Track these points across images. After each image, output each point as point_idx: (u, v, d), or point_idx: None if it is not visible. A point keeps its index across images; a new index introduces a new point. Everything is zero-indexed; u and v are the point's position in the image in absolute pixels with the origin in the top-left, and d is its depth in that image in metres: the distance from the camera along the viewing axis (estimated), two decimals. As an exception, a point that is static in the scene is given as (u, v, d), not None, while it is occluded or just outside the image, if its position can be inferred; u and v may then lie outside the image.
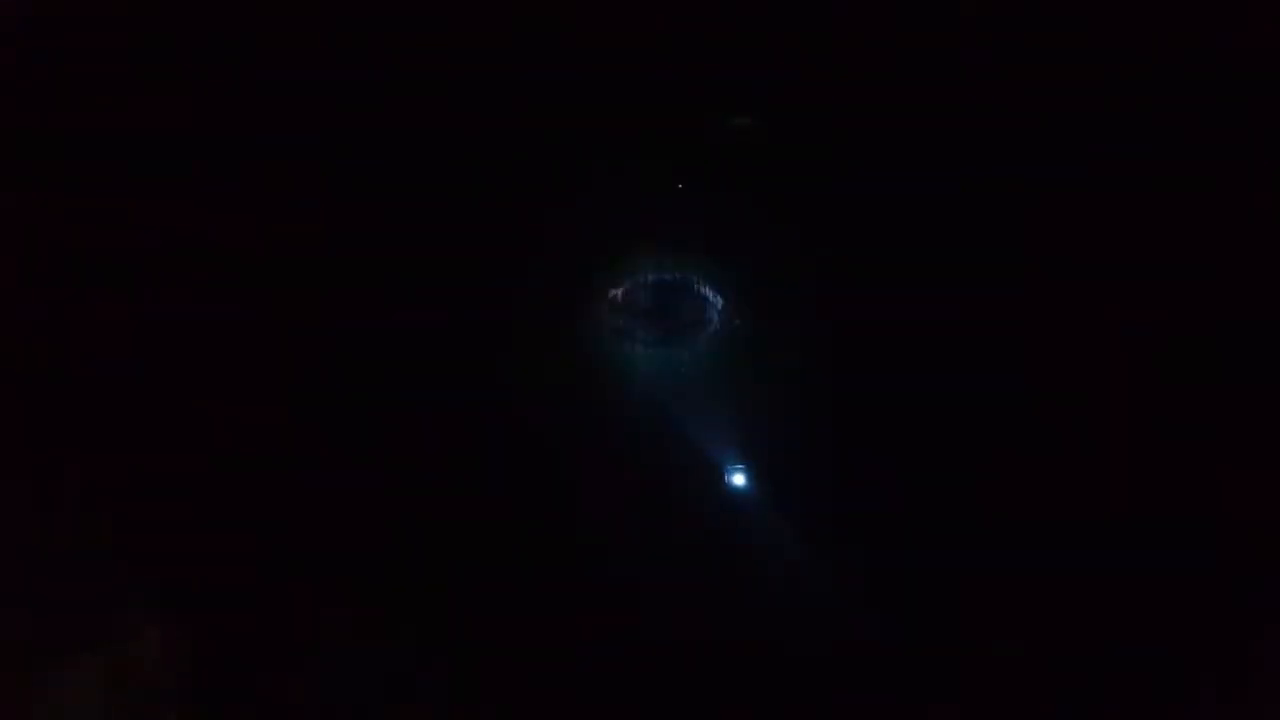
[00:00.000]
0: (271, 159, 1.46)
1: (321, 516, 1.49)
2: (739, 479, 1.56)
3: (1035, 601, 1.43)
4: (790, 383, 1.58)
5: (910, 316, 1.50)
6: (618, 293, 1.62)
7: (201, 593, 1.45)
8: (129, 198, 1.42)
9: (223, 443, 1.47)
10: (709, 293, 1.62)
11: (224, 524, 1.46)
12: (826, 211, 1.54)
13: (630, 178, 1.54)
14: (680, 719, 1.45)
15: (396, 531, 1.51)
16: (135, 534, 1.44)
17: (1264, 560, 1.37)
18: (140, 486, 1.45)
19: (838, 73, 1.47)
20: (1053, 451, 1.48)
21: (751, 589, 1.49)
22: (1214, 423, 1.42)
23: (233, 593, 1.46)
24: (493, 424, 1.55)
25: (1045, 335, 1.49)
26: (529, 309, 1.57)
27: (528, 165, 1.51)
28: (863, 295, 1.54)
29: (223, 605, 1.46)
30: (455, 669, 1.47)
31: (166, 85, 1.41)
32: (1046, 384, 1.49)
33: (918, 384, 1.50)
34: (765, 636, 1.44)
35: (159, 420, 1.46)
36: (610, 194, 1.55)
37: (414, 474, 1.52)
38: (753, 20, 1.43)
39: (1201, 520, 1.40)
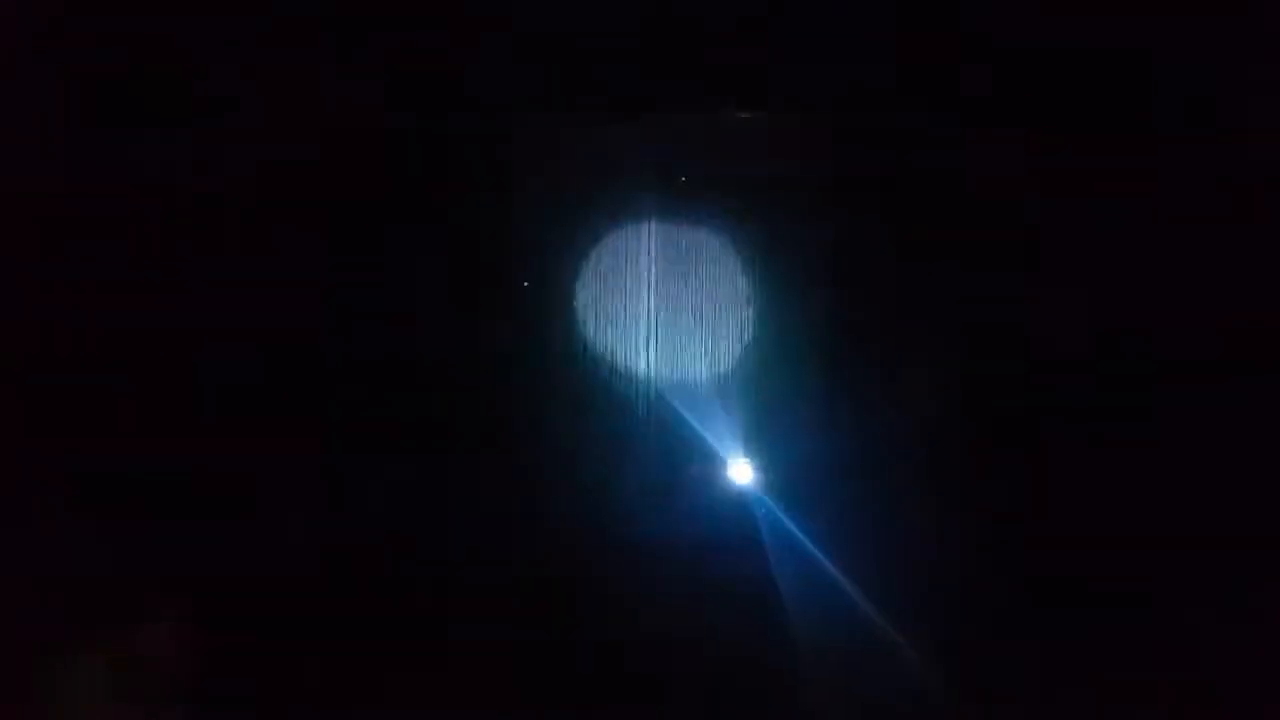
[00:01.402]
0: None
1: (320, 519, 1.50)
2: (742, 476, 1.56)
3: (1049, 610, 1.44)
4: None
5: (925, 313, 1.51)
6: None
7: (205, 592, 1.46)
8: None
9: (221, 442, 1.47)
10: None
11: (224, 525, 1.46)
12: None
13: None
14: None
15: (394, 538, 1.52)
16: (140, 533, 1.45)
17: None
18: (144, 485, 1.45)
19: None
20: (1077, 462, 1.47)
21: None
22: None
23: (236, 593, 1.46)
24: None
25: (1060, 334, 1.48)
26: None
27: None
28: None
29: (227, 605, 1.46)
30: (456, 670, 1.48)
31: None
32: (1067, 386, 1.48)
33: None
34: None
35: (163, 420, 1.47)
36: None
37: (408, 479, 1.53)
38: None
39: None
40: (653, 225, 1.56)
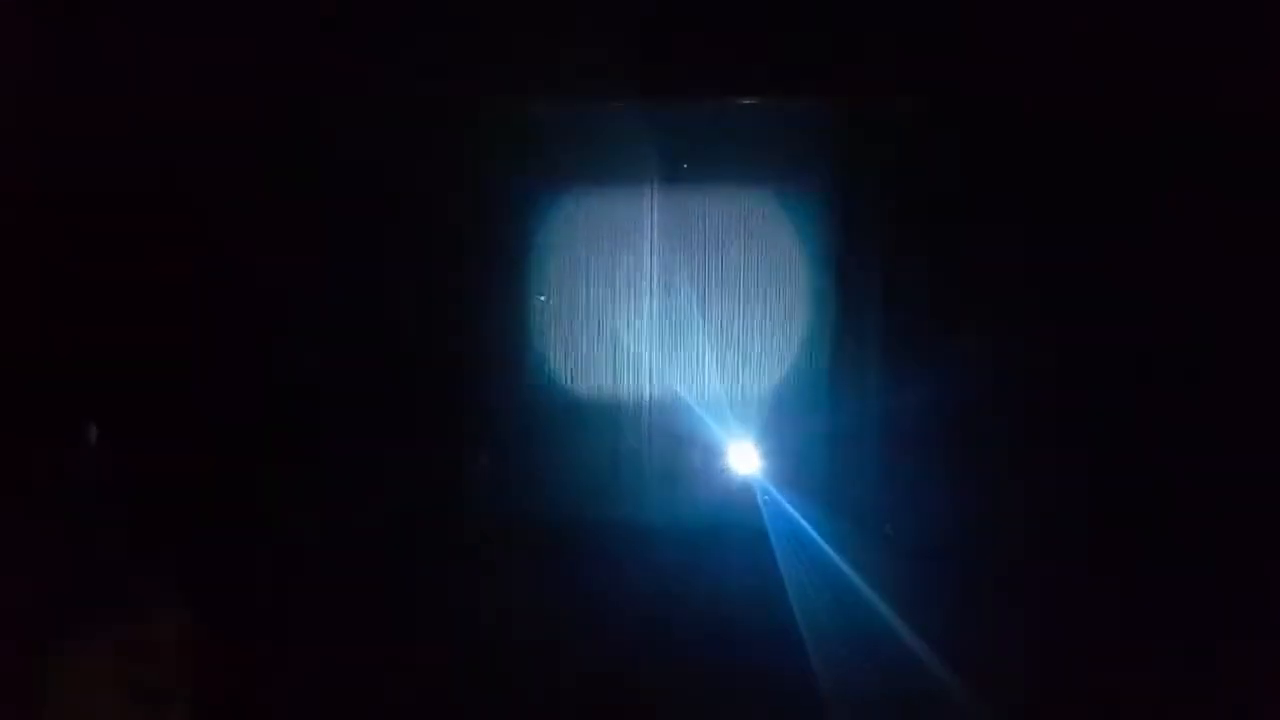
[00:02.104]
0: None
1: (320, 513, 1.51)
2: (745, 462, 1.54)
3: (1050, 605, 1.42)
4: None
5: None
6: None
7: (208, 586, 1.48)
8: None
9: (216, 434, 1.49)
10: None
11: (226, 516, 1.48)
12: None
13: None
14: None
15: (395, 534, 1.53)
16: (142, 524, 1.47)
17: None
18: (147, 477, 1.47)
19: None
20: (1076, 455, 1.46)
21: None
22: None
23: (237, 587, 1.48)
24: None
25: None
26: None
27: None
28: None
29: (228, 598, 1.48)
30: (459, 669, 1.48)
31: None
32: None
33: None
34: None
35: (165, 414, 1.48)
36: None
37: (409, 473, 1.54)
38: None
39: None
40: (655, 210, 1.56)
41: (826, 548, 1.46)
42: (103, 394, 1.47)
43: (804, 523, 1.48)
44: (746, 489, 1.53)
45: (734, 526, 1.51)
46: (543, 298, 1.56)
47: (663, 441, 1.56)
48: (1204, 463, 1.39)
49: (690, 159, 1.55)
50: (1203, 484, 1.38)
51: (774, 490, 1.51)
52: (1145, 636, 1.39)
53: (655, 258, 1.56)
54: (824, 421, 1.53)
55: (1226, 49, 1.39)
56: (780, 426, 1.54)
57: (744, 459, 1.54)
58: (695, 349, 1.56)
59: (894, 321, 1.51)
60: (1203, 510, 1.39)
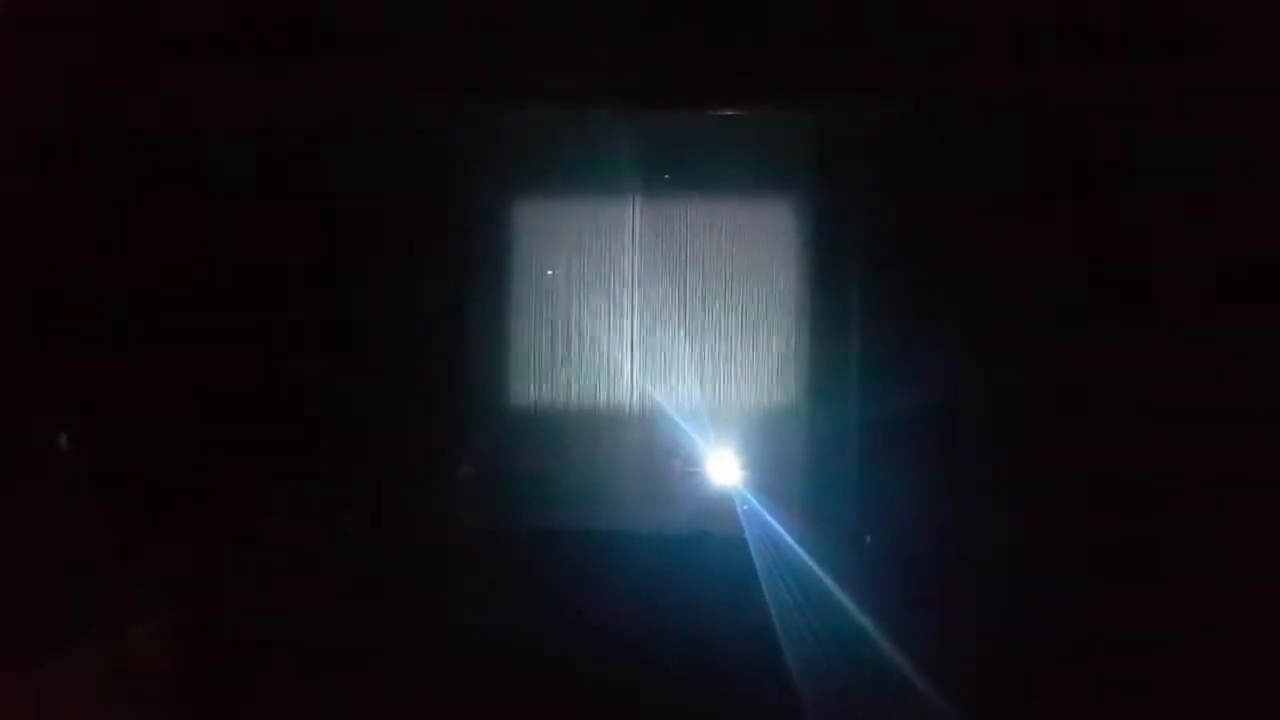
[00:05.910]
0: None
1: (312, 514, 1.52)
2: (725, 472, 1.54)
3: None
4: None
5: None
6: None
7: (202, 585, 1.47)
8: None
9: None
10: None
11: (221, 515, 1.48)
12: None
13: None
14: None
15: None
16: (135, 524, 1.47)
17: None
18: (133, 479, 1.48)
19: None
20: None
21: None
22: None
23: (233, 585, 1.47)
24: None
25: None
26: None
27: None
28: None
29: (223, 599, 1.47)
30: (438, 676, 1.47)
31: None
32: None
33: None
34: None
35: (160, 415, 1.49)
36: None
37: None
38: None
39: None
40: (637, 220, 1.57)
41: (806, 557, 1.45)
42: (90, 396, 1.48)
43: (783, 532, 1.47)
44: (726, 498, 1.52)
45: (713, 536, 1.50)
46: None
47: (643, 451, 1.55)
48: (1195, 468, 1.37)
49: (672, 169, 1.56)
50: (1195, 489, 1.36)
51: (753, 500, 1.50)
52: (1135, 644, 1.36)
53: (636, 268, 1.57)
54: (804, 431, 1.53)
55: (1210, 46, 1.39)
56: (760, 436, 1.54)
57: (724, 468, 1.53)
58: (676, 359, 1.57)
59: (875, 331, 1.51)
60: (1196, 517, 1.37)
